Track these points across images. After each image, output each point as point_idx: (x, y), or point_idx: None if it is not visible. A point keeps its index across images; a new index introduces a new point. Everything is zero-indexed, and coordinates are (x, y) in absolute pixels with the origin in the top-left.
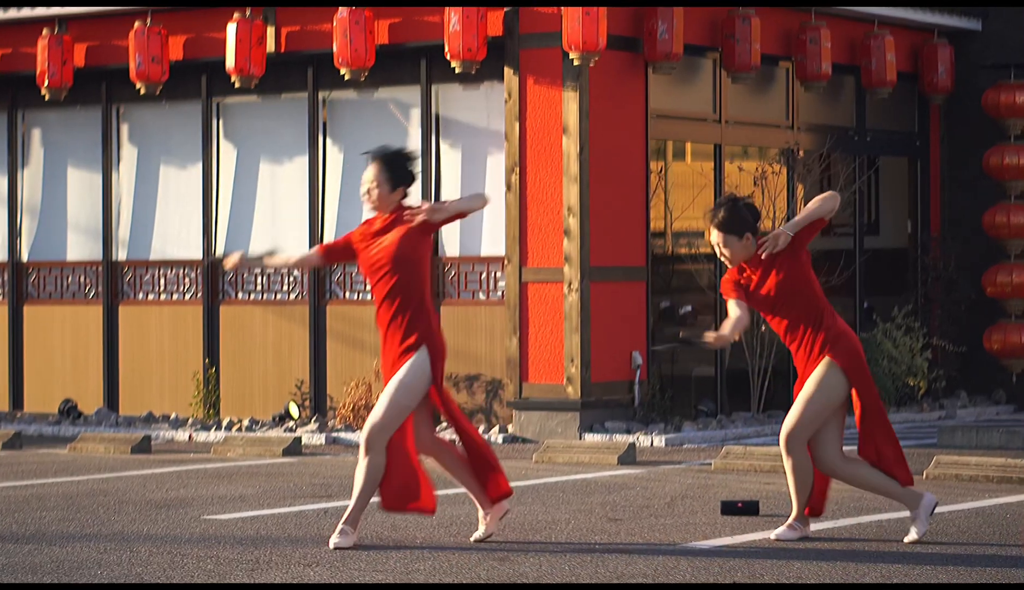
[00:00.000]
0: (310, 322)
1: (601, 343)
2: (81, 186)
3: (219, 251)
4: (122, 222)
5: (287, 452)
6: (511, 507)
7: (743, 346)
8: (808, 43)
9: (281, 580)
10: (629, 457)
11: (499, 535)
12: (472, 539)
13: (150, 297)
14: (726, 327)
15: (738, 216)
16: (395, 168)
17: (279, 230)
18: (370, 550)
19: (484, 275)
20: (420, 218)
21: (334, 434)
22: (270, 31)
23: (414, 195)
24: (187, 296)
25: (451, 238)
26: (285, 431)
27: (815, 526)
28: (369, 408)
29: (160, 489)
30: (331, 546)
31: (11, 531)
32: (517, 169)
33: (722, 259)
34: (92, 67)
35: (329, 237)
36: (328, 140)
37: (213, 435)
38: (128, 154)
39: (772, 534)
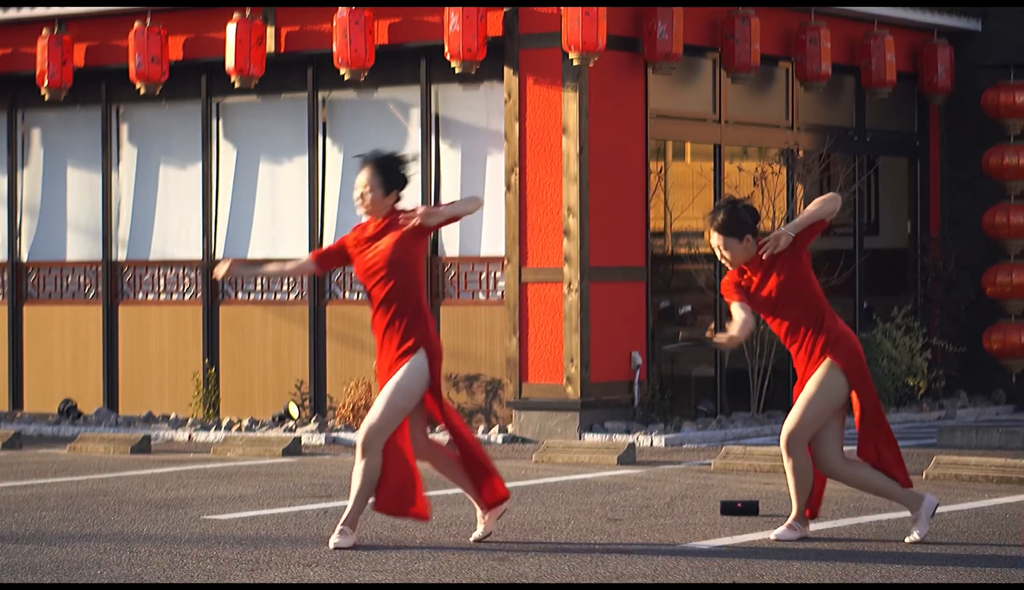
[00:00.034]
0: (310, 322)
1: (601, 343)
2: (81, 186)
3: (219, 251)
4: (122, 222)
5: (287, 452)
6: (510, 506)
7: (743, 346)
8: (808, 43)
9: (281, 580)
10: (629, 457)
11: (499, 535)
12: (472, 539)
13: (150, 297)
14: (735, 328)
15: (738, 218)
16: (388, 172)
17: (279, 230)
18: (370, 550)
19: (484, 275)
20: (415, 222)
21: (334, 434)
22: (270, 31)
23: (414, 196)
24: (187, 296)
25: (451, 238)
26: (285, 431)
27: (815, 526)
28: (369, 408)
29: (160, 489)
30: (331, 546)
31: (11, 531)
32: (517, 169)
33: (723, 262)
34: (92, 67)
35: (329, 237)
36: (328, 140)
37: (213, 435)
38: (128, 154)
39: (772, 534)
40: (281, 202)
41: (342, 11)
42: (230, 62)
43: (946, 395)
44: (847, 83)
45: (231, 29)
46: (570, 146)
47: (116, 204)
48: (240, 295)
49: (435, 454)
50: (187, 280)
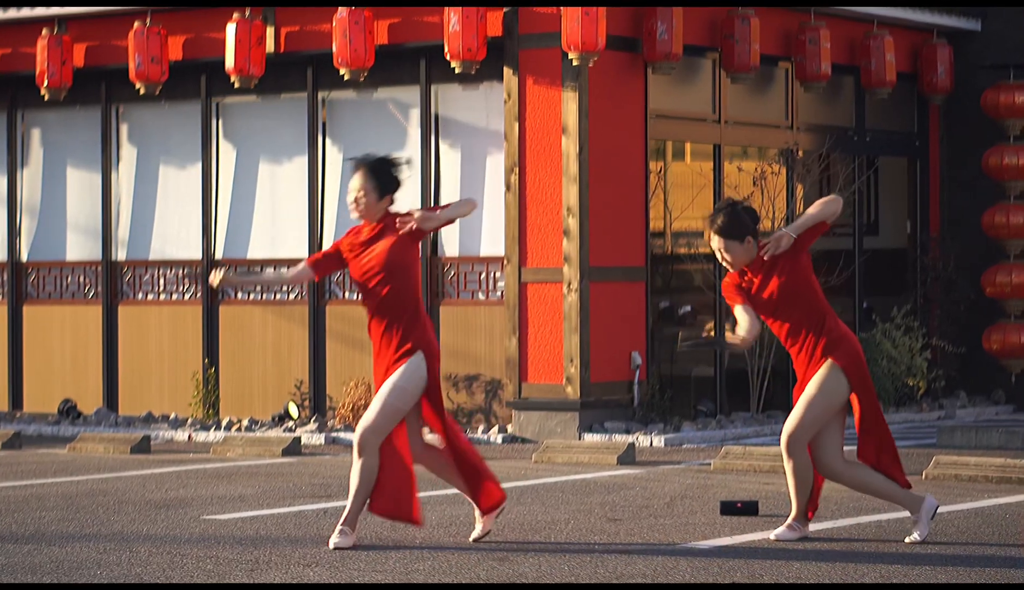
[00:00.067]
0: (309, 322)
1: (600, 343)
2: (81, 186)
3: (219, 251)
4: (121, 222)
5: (286, 452)
6: (510, 506)
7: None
8: (807, 43)
9: (281, 580)
10: (628, 457)
11: (499, 535)
12: (471, 538)
13: (149, 297)
14: (742, 331)
15: (738, 220)
16: (382, 176)
17: (278, 230)
18: (369, 550)
19: (483, 275)
20: (411, 226)
21: (333, 434)
22: (269, 31)
23: (413, 196)
24: (186, 296)
25: (450, 238)
26: (284, 431)
27: (814, 526)
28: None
29: (159, 489)
30: (330, 546)
31: (11, 531)
32: (516, 169)
33: (724, 264)
34: (91, 67)
35: (329, 237)
36: (327, 140)
37: (212, 435)
38: (127, 154)
39: (771, 534)
40: (281, 202)
41: (342, 11)
42: (230, 62)
43: (946, 395)
44: (847, 83)
45: (231, 29)
46: (570, 146)
47: (116, 204)
48: (240, 295)
49: (430, 457)
50: (187, 280)
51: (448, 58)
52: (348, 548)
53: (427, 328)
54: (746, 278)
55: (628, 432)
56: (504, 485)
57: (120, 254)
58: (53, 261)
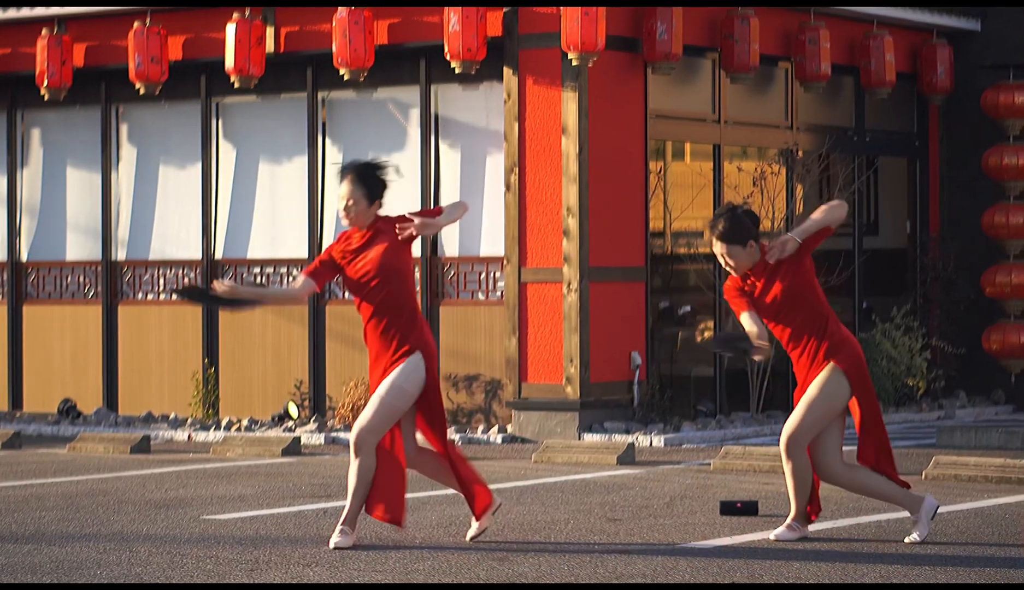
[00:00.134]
0: (309, 322)
1: (600, 343)
2: (80, 186)
3: (218, 251)
4: (121, 222)
5: (286, 452)
6: (510, 506)
7: None
8: (807, 43)
9: (280, 580)
10: (628, 457)
11: (498, 535)
12: (467, 537)
13: (149, 297)
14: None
15: (739, 225)
16: (370, 182)
17: (278, 230)
18: (369, 550)
19: (483, 275)
20: (411, 233)
21: (333, 434)
22: (269, 31)
23: (413, 196)
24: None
25: (450, 238)
26: (284, 431)
27: (814, 526)
28: None
29: (159, 489)
30: (331, 546)
31: (11, 531)
32: (516, 169)
33: (727, 269)
34: (91, 67)
35: (329, 237)
36: (327, 140)
37: (212, 435)
38: (127, 154)
39: (771, 534)
40: (281, 202)
41: (342, 11)
42: (230, 62)
43: (945, 395)
44: (846, 83)
45: (231, 29)
46: (569, 146)
47: (116, 204)
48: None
49: (424, 460)
50: (187, 280)
51: (448, 58)
52: (348, 548)
53: (425, 330)
54: (749, 281)
55: (628, 432)
56: (504, 485)
57: (120, 254)
58: (53, 261)
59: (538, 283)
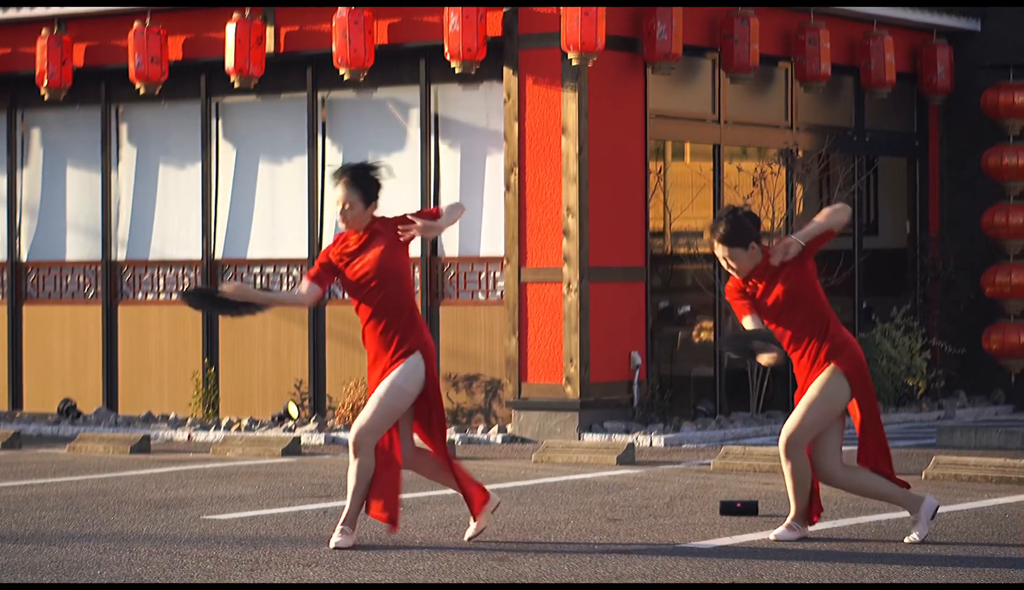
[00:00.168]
0: (309, 322)
1: (600, 343)
2: (80, 186)
3: (218, 251)
4: (121, 222)
5: (286, 452)
6: (510, 506)
7: None
8: (807, 43)
9: (281, 580)
10: (628, 457)
11: (499, 535)
12: (465, 537)
13: (149, 297)
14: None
15: (741, 227)
16: (365, 184)
17: (278, 230)
18: (370, 550)
19: (483, 275)
20: (412, 235)
21: (333, 434)
22: (269, 31)
23: (413, 196)
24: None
25: (450, 238)
26: (284, 431)
27: (814, 526)
28: None
29: (159, 489)
30: (331, 546)
31: (11, 531)
32: (516, 169)
33: (730, 271)
34: (91, 67)
35: (328, 237)
36: (327, 140)
37: (212, 435)
38: (127, 154)
39: (771, 534)
40: (280, 202)
41: (341, 11)
42: (229, 62)
43: (945, 395)
44: (846, 83)
45: (231, 29)
46: (569, 146)
47: (115, 204)
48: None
49: (421, 461)
50: (186, 280)
51: (448, 58)
52: (348, 548)
53: (424, 330)
54: (750, 283)
55: (628, 432)
56: (504, 485)
57: (120, 254)
58: (53, 261)
59: (538, 283)
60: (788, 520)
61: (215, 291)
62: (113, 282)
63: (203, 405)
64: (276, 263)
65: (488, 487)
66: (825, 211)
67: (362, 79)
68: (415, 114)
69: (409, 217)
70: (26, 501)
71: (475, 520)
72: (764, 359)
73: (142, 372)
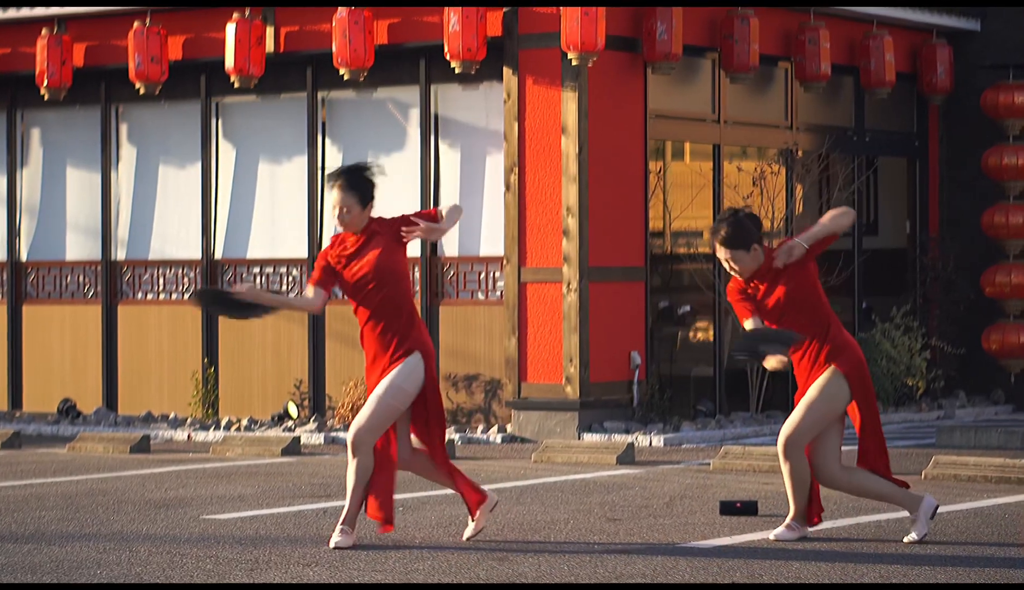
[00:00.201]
0: (309, 322)
1: (600, 343)
2: (80, 186)
3: (218, 251)
4: (121, 222)
5: (286, 452)
6: (509, 506)
7: None
8: (807, 43)
9: (280, 580)
10: (628, 457)
11: (498, 535)
12: (464, 537)
13: (149, 297)
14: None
15: (742, 229)
16: (361, 186)
17: (278, 230)
18: (369, 550)
19: (483, 275)
20: (415, 236)
21: (333, 434)
22: (269, 31)
23: (413, 196)
24: (186, 296)
25: (450, 238)
26: (284, 431)
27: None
28: None
29: (159, 489)
30: (331, 545)
31: (10, 531)
32: (516, 169)
33: (732, 273)
34: (91, 67)
35: (328, 237)
36: (327, 140)
37: (212, 435)
38: (127, 154)
39: (771, 534)
40: (280, 202)
41: (341, 11)
42: (229, 62)
43: (945, 395)
44: (846, 83)
45: (230, 29)
46: (569, 146)
47: (115, 204)
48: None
49: (419, 461)
50: (186, 280)
51: (448, 58)
52: (348, 548)
53: (423, 331)
54: (752, 284)
55: (627, 432)
56: (504, 485)
57: (120, 254)
58: (53, 261)
59: (538, 283)
60: (788, 520)
61: (227, 292)
62: (113, 282)
63: (203, 405)
64: (276, 263)
65: (488, 487)
66: (829, 214)
67: (362, 79)
68: (415, 114)
69: (411, 218)
70: (26, 501)
71: (473, 519)
72: (770, 363)
73: (142, 372)
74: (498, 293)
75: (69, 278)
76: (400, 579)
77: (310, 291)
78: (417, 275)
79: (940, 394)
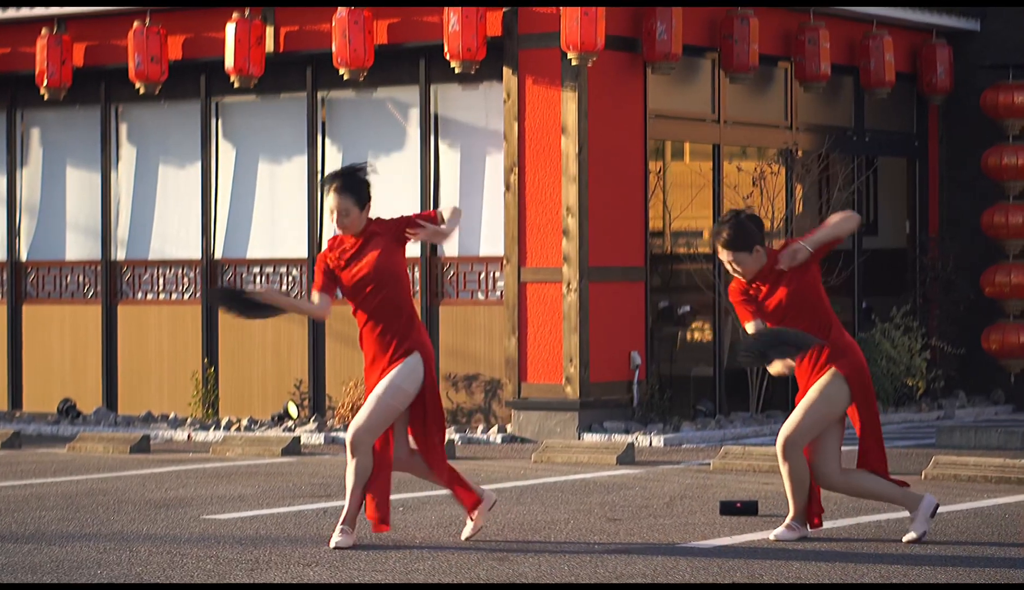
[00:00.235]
0: (309, 322)
1: (600, 343)
2: (80, 186)
3: (218, 251)
4: (121, 222)
5: (286, 452)
6: (509, 506)
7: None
8: (807, 43)
9: (281, 580)
10: (628, 457)
11: (499, 535)
12: (463, 537)
13: (149, 297)
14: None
15: (744, 231)
16: (356, 188)
17: (278, 230)
18: (370, 550)
19: (483, 275)
20: (421, 237)
21: (333, 434)
22: (269, 31)
23: (413, 196)
24: (186, 296)
25: (450, 238)
26: (284, 431)
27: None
28: None
29: (159, 489)
30: (331, 545)
31: (11, 531)
32: (516, 169)
33: (735, 274)
34: (91, 67)
35: (328, 237)
36: (327, 140)
37: (212, 435)
38: (127, 154)
39: (771, 534)
40: (280, 202)
41: (341, 11)
42: (229, 62)
43: (945, 395)
44: (846, 83)
45: (230, 29)
46: (569, 146)
47: (115, 204)
48: None
49: (415, 462)
50: (186, 280)
51: (448, 58)
52: (348, 547)
53: (422, 332)
54: (754, 285)
55: (627, 432)
56: (504, 485)
57: (119, 254)
58: (52, 261)
59: (538, 283)
60: (787, 520)
61: (244, 291)
62: (113, 282)
63: (203, 405)
64: (276, 263)
65: (488, 487)
66: (834, 218)
67: (362, 79)
68: (415, 114)
69: (412, 219)
70: (26, 501)
71: (471, 519)
72: (775, 368)
73: (142, 372)
74: (498, 293)
75: (69, 278)
76: (400, 579)
77: (316, 297)
78: (417, 275)
79: (940, 394)
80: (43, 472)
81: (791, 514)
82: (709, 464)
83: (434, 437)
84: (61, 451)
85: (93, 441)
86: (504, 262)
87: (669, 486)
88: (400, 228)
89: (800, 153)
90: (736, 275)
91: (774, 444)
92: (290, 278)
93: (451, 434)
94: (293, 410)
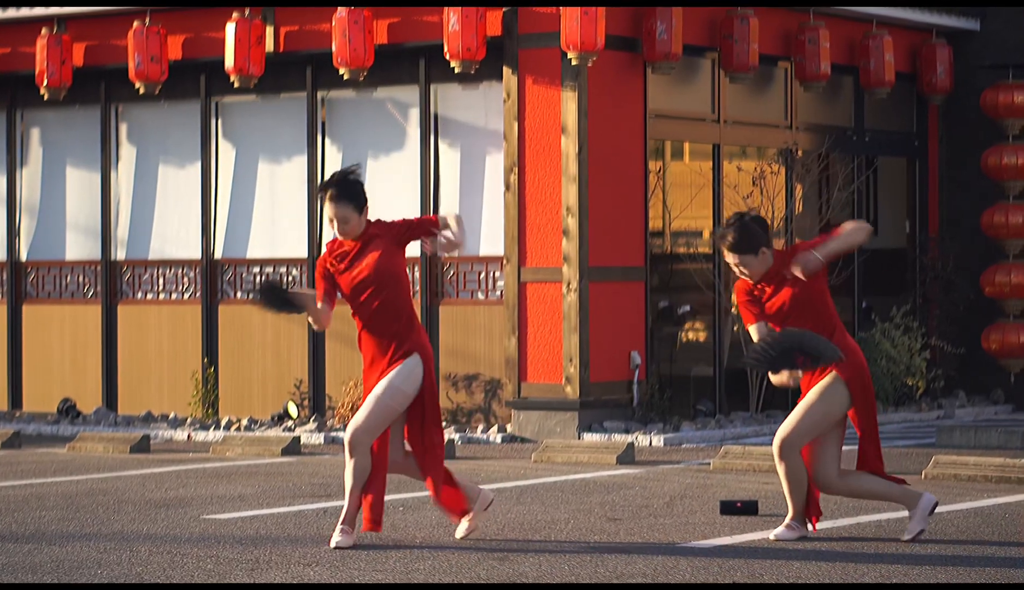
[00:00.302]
0: (309, 322)
1: (600, 343)
2: (80, 185)
3: (218, 251)
4: (121, 221)
5: (286, 452)
6: (509, 506)
7: (742, 345)
8: (807, 43)
9: (281, 580)
10: (628, 457)
11: (499, 535)
12: (456, 536)
13: (149, 296)
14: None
15: (749, 233)
16: (354, 194)
17: (278, 230)
18: (370, 550)
19: (483, 275)
20: (441, 251)
21: (333, 433)
22: (269, 31)
23: (413, 196)
24: (186, 295)
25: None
26: (284, 431)
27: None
28: None
29: (159, 489)
30: (331, 545)
31: (11, 531)
32: (516, 169)
33: (741, 276)
34: (91, 66)
35: (328, 237)
36: (327, 140)
37: (212, 435)
38: (127, 153)
39: (771, 534)
40: (280, 202)
41: (341, 11)
42: (229, 61)
43: (945, 395)
44: (846, 83)
45: (230, 29)
46: (569, 146)
47: (115, 204)
48: (239, 294)
49: (408, 465)
50: (186, 279)
51: (447, 58)
52: (348, 547)
53: (422, 334)
54: (759, 286)
55: (627, 432)
56: (504, 485)
57: (119, 254)
58: (52, 260)
59: (538, 283)
60: (787, 520)
61: (287, 291)
62: (113, 282)
63: (203, 405)
64: (276, 263)
65: (488, 487)
66: (846, 228)
67: (362, 79)
68: (415, 114)
69: (414, 223)
70: (26, 501)
71: (469, 516)
72: (780, 377)
73: (142, 372)
74: (498, 293)
75: (69, 278)
76: (400, 579)
77: (320, 306)
78: (417, 275)
79: (940, 394)
80: (43, 472)
81: (791, 514)
82: (709, 464)
83: (432, 438)
84: (61, 451)
85: (93, 441)
86: (504, 262)
87: (669, 486)
88: (401, 232)
89: (800, 153)
90: (743, 276)
91: None
92: (290, 278)
93: (451, 434)
94: (293, 410)
